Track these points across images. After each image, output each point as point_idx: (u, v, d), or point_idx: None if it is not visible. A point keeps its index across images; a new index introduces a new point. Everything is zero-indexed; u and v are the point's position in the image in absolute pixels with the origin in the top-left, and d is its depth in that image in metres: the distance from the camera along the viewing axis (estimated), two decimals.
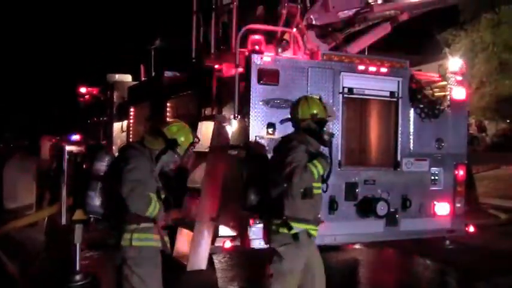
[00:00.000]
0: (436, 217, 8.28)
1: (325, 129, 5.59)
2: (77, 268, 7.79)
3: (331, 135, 5.68)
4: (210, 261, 7.52)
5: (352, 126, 7.89)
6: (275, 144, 5.99)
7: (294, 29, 8.08)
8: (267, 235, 5.60)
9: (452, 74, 8.46)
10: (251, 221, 6.80)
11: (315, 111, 5.56)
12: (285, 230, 5.30)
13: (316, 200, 5.46)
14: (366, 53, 9.30)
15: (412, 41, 26.48)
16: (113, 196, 4.84)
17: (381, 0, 9.08)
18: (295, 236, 5.29)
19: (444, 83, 8.45)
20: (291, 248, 5.34)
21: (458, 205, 8.44)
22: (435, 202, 8.25)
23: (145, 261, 4.87)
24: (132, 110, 11.43)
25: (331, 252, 9.15)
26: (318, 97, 5.78)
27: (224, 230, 7.34)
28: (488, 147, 29.14)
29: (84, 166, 6.42)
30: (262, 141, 7.05)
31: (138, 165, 4.82)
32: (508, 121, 28.76)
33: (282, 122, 6.03)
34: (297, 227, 5.30)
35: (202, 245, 7.11)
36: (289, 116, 5.74)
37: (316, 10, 8.64)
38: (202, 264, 7.12)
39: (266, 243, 5.71)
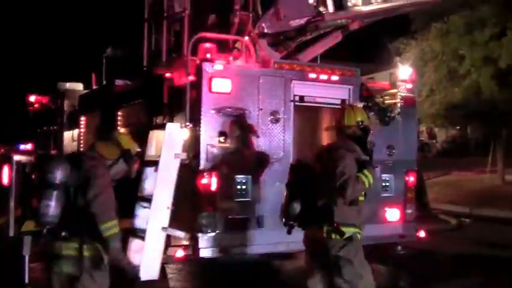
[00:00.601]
0: (387, 223, 8.39)
1: (369, 137, 5.68)
2: (26, 281, 7.60)
3: (373, 144, 5.79)
4: (163, 271, 7.43)
5: (304, 133, 7.94)
6: (317, 151, 5.86)
7: (246, 38, 8.09)
8: (312, 242, 5.61)
9: (403, 82, 8.60)
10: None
11: (360, 119, 5.63)
12: (337, 236, 5.35)
13: (361, 206, 5.53)
14: (319, 62, 9.39)
15: (365, 50, 26.87)
16: (71, 206, 4.77)
17: (332, 9, 9.16)
18: (349, 238, 5.38)
19: (394, 90, 8.58)
20: (350, 246, 5.42)
21: (409, 211, 8.57)
22: (386, 208, 8.37)
23: (104, 269, 4.85)
24: (83, 119, 11.24)
25: (284, 260, 9.16)
26: (361, 105, 5.80)
27: (176, 239, 7.28)
28: (438, 153, 29.75)
29: (33, 176, 6.29)
30: (214, 150, 7.06)
31: (106, 172, 4.84)
32: (457, 128, 29.41)
33: (326, 129, 6.10)
34: (348, 231, 5.37)
35: (154, 255, 7.01)
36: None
37: (268, 19, 8.65)
38: (155, 275, 7.03)
39: (310, 250, 5.71)
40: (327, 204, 5.42)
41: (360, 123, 5.63)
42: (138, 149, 5.50)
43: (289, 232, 5.75)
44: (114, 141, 5.13)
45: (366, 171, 5.36)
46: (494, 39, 18.88)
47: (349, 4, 9.20)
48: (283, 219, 5.78)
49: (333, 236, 5.36)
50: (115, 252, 4.85)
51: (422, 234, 8.73)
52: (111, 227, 4.76)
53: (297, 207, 5.57)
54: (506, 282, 8.81)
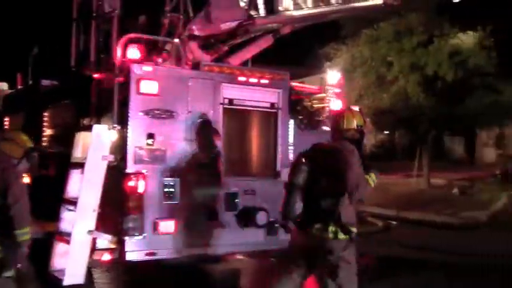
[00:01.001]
0: None
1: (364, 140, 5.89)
2: None
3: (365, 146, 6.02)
4: (89, 276, 7.30)
5: (233, 136, 7.96)
6: (310, 153, 5.80)
7: (176, 40, 8.06)
8: (310, 243, 5.54)
9: (331, 86, 8.73)
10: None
11: (359, 122, 5.77)
12: (343, 236, 5.39)
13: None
14: (250, 65, 9.43)
15: (297, 54, 27.19)
16: None
17: (263, 13, 9.22)
18: (351, 239, 5.46)
19: (323, 95, 8.70)
20: (352, 248, 5.52)
21: None
22: None
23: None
24: (7, 119, 10.95)
25: (213, 263, 9.13)
26: (358, 109, 5.99)
27: (102, 243, 7.17)
28: (367, 157, 30.30)
29: None
30: (142, 152, 7.01)
31: (19, 175, 4.90)
32: (385, 132, 30.10)
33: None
34: (353, 230, 5.47)
35: (79, 259, 6.90)
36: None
37: (199, 21, 8.62)
38: (80, 279, 6.91)
39: (303, 251, 5.60)
40: (333, 204, 5.45)
41: (359, 127, 5.79)
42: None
43: (287, 232, 5.87)
44: (16, 141, 5.11)
45: (372, 174, 5.63)
46: (422, 47, 19.48)
47: (280, 8, 9.25)
48: (282, 219, 5.84)
49: (340, 236, 5.41)
50: (24, 257, 4.79)
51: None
52: (26, 233, 4.73)
53: (298, 207, 5.59)
54: (431, 284, 9.06)
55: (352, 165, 5.42)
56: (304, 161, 5.71)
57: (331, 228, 5.43)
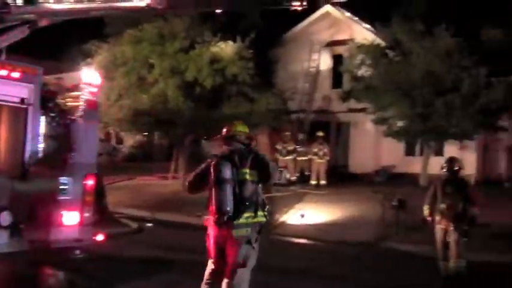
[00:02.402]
0: (64, 227, 8.26)
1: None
2: None
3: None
4: None
5: None
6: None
7: None
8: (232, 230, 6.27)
9: (87, 84, 8.57)
10: None
11: (244, 129, 6.76)
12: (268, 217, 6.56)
13: None
14: (5, 57, 8.93)
15: (57, 49, 26.26)
16: None
17: (21, 3, 8.81)
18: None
19: (78, 93, 8.52)
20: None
21: (86, 214, 8.54)
22: (63, 212, 8.23)
23: None
24: None
25: None
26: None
27: None
28: (125, 158, 30.29)
29: None
30: None
31: None
32: (145, 134, 30.32)
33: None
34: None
35: None
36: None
37: None
38: None
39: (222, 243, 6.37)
40: (255, 193, 6.39)
41: (246, 133, 6.76)
42: None
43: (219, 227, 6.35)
44: None
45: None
46: (183, 52, 19.98)
47: (39, 0, 8.94)
48: (217, 215, 6.26)
49: (267, 218, 6.53)
50: None
51: (100, 237, 8.78)
52: None
53: (231, 203, 6.18)
54: (182, 283, 9.28)
55: (267, 161, 6.48)
56: (224, 159, 6.38)
57: (261, 213, 6.41)
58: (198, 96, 20.19)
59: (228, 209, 6.20)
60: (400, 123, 23.22)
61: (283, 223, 16.24)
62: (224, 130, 6.79)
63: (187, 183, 6.81)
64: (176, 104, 19.73)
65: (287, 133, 22.44)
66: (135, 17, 20.55)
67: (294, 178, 21.90)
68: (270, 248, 11.97)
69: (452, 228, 9.76)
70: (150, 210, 17.29)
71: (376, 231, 15.52)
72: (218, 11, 20.95)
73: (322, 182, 21.43)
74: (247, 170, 6.37)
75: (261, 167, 6.41)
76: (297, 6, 10.78)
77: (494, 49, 21.66)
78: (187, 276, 9.64)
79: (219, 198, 6.22)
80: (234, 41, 20.20)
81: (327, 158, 22.45)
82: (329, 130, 27.49)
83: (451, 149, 22.88)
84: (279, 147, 21.92)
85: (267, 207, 6.57)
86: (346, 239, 14.60)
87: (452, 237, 9.77)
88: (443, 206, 9.87)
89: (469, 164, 25.07)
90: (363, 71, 24.03)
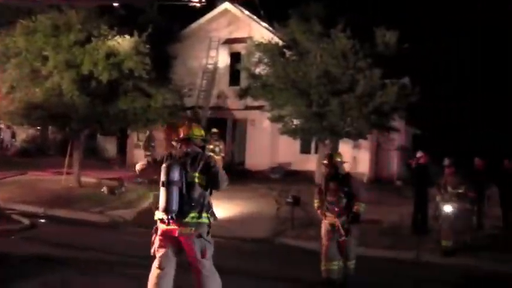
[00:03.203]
0: None
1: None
2: None
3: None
4: None
5: None
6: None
7: None
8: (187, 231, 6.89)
9: None
10: None
11: (201, 132, 7.45)
12: (212, 220, 7.14)
13: None
14: None
15: None
16: None
17: None
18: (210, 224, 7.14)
19: None
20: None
21: None
22: None
23: None
24: None
25: None
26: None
27: None
28: (18, 152, 29.32)
29: None
30: None
31: None
32: (38, 128, 29.43)
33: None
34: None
35: None
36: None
37: None
38: None
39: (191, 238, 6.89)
40: (202, 195, 6.99)
41: (202, 137, 7.45)
42: None
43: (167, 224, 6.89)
44: None
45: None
46: (79, 45, 19.57)
47: None
48: (164, 214, 6.82)
49: (211, 220, 7.09)
50: None
51: None
52: None
53: (176, 203, 6.77)
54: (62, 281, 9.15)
55: (215, 166, 7.00)
56: (174, 161, 7.03)
57: (205, 215, 6.97)
58: (93, 91, 19.81)
59: (174, 208, 6.76)
60: (296, 122, 23.89)
61: None
62: (181, 131, 7.30)
63: (140, 169, 7.45)
64: (71, 98, 19.29)
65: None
66: (28, 6, 19.98)
67: None
68: None
69: (337, 224, 9.86)
70: (42, 206, 16.91)
71: (272, 227, 15.96)
72: (115, 4, 20.83)
73: None
74: (197, 174, 6.95)
75: (211, 175, 6.97)
76: (195, 2, 10.95)
77: (388, 52, 22.71)
78: (81, 274, 9.62)
79: (166, 198, 6.79)
80: (131, 35, 19.96)
81: (223, 154, 22.71)
82: (225, 127, 27.85)
83: (345, 148, 23.83)
84: (175, 143, 21.83)
85: (211, 209, 7.12)
86: (243, 235, 14.92)
87: (339, 234, 9.88)
88: (327, 201, 10.06)
89: (363, 162, 26.29)
90: (260, 69, 24.57)
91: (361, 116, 22.24)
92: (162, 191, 6.84)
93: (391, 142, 26.80)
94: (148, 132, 23.66)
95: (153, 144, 23.20)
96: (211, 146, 21.77)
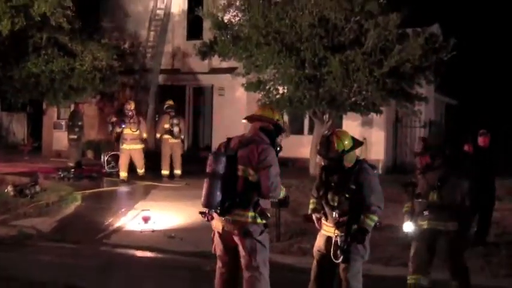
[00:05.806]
0: None
1: None
2: None
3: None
4: None
5: None
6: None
7: None
8: (229, 229, 7.97)
9: None
10: None
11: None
12: (260, 221, 7.91)
13: None
14: None
15: None
16: None
17: None
18: (266, 225, 8.05)
19: None
20: (266, 234, 8.04)
21: None
22: None
23: None
24: None
25: None
26: None
27: None
28: None
29: None
30: None
31: None
32: None
33: None
34: (269, 216, 8.07)
35: None
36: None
37: None
38: None
39: (238, 235, 7.92)
40: (251, 191, 7.88)
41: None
42: None
43: (209, 221, 8.07)
44: None
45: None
46: None
47: None
48: (205, 209, 7.92)
49: (258, 220, 7.87)
50: None
51: None
52: None
53: (219, 195, 7.74)
54: None
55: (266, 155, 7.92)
56: (223, 150, 8.16)
57: (250, 214, 7.84)
58: None
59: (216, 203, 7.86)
60: (281, 89, 23.34)
61: (119, 229, 15.78)
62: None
63: None
64: None
65: (129, 102, 21.58)
66: None
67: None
68: (98, 264, 11.55)
69: (335, 237, 8.92)
70: None
71: None
72: None
73: (177, 171, 21.08)
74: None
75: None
76: None
77: None
78: None
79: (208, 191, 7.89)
80: None
81: (182, 136, 22.18)
82: (184, 98, 27.49)
83: (351, 126, 23.40)
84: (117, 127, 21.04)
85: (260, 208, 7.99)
86: (204, 249, 14.09)
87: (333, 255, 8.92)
88: (325, 204, 8.95)
89: (376, 145, 25.92)
90: (231, 16, 23.96)
91: (372, 81, 21.71)
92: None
93: (416, 116, 26.45)
94: (73, 107, 23.21)
95: (79, 123, 22.60)
96: (166, 125, 21.19)
